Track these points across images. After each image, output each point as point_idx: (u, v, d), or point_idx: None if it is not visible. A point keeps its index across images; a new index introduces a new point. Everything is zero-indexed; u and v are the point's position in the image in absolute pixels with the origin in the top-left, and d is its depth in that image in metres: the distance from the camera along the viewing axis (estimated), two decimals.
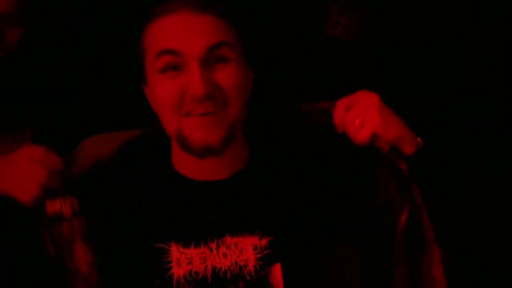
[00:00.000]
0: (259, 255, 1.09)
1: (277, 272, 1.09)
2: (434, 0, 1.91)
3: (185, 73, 1.06)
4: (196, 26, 1.07)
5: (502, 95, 1.85)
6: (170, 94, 1.07)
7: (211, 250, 1.10)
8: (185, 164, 1.15)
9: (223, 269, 1.09)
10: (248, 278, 1.09)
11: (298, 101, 1.24)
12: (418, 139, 1.11)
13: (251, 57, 1.15)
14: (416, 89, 1.89)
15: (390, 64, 1.91)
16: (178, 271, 1.09)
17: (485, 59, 1.88)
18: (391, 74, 1.90)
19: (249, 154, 1.18)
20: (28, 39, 1.70)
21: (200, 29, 1.07)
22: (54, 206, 1.07)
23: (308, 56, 1.94)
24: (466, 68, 1.90)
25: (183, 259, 1.09)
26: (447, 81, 1.90)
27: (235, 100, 1.08)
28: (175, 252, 1.09)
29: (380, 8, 1.96)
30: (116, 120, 1.57)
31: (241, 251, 1.09)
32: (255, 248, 1.10)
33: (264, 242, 1.10)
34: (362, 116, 1.08)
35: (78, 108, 1.77)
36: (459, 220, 1.09)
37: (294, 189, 1.14)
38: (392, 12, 1.95)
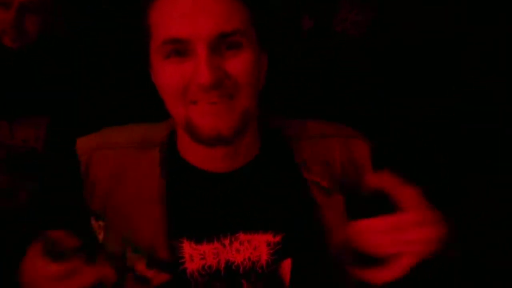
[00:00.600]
0: (272, 251, 1.08)
1: (287, 266, 1.08)
2: (434, 0, 1.92)
3: (192, 58, 0.94)
4: (207, 7, 0.93)
5: (502, 95, 1.86)
6: (173, 81, 0.97)
7: (224, 246, 1.07)
8: (194, 153, 1.08)
9: (236, 263, 1.07)
10: (260, 271, 1.07)
11: None
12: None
13: (266, 42, 1.03)
14: (416, 89, 1.90)
15: (391, 64, 1.91)
16: (191, 266, 1.06)
17: (485, 59, 1.89)
18: (391, 74, 1.90)
19: (261, 146, 1.11)
20: (47, 29, 1.69)
21: (211, 11, 0.93)
22: None
23: (312, 52, 1.94)
24: (466, 68, 1.90)
25: (196, 255, 1.06)
26: (447, 81, 1.90)
27: (247, 88, 0.97)
28: (188, 248, 1.06)
29: (380, 8, 1.97)
30: (121, 114, 1.57)
31: (255, 248, 1.06)
32: (269, 245, 1.07)
33: (277, 238, 1.07)
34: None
35: (88, 96, 1.77)
36: (459, 220, 1.09)
37: (300, 185, 1.12)
38: (392, 12, 1.95)
